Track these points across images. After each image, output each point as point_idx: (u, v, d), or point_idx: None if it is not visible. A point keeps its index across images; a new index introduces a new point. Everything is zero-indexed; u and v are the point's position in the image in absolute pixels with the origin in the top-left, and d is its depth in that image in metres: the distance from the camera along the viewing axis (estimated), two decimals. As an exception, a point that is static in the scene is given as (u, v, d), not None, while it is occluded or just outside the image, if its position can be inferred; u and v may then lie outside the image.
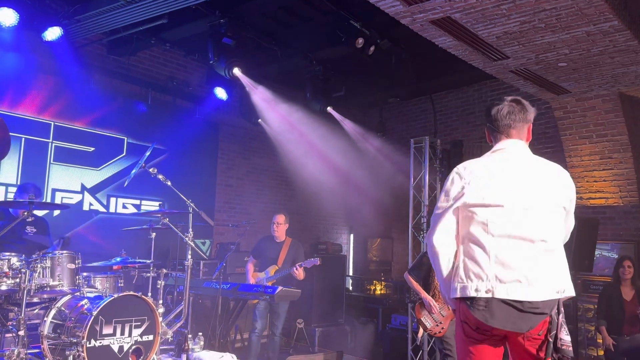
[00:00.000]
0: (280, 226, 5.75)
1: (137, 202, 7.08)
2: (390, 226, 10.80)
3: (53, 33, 5.49)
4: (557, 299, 2.26)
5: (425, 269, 4.66)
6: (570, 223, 2.45)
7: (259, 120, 8.06)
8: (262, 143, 8.55)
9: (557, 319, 2.25)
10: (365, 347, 7.50)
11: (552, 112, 7.14)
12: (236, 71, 5.99)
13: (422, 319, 4.56)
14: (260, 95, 7.49)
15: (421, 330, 4.64)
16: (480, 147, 8.77)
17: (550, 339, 2.24)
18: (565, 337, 2.27)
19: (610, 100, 6.51)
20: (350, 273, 10.23)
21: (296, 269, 5.45)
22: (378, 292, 9.86)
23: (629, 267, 5.31)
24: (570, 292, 2.30)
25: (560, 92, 6.49)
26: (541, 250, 2.28)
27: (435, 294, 4.59)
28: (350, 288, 9.90)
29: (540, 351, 2.26)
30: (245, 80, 6.58)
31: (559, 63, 5.59)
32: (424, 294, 4.56)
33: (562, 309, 2.29)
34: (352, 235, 10.66)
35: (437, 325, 4.59)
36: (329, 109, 7.74)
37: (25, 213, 3.99)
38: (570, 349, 2.26)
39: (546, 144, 7.71)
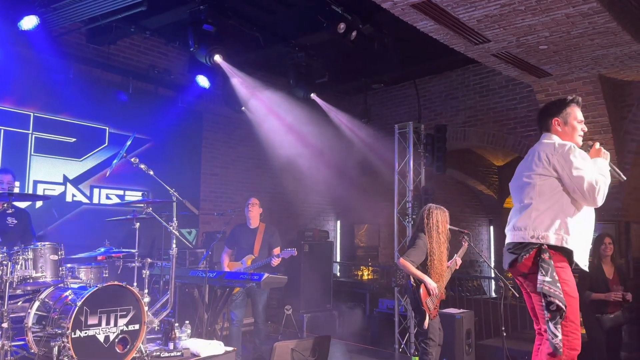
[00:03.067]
0: (255, 207, 5.74)
1: (120, 192, 7.03)
2: (376, 212, 10.85)
3: (29, 22, 5.38)
4: (526, 242, 2.88)
5: (422, 252, 4.64)
6: (573, 182, 2.86)
7: (243, 108, 8.01)
8: (246, 131, 8.51)
9: (531, 261, 2.84)
10: (353, 331, 7.58)
11: (534, 95, 7.19)
12: (217, 58, 5.94)
13: (427, 301, 4.55)
14: (242, 83, 7.44)
15: (427, 318, 4.54)
16: (464, 132, 8.83)
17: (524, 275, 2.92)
18: (541, 277, 2.78)
19: (590, 83, 6.56)
20: (338, 259, 10.29)
21: (273, 260, 5.47)
22: (365, 277, 9.95)
23: (610, 244, 5.37)
24: (550, 240, 2.83)
25: (542, 75, 6.53)
26: (517, 209, 3.03)
27: (432, 277, 4.61)
28: (338, 274, 9.97)
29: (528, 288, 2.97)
30: (226, 67, 6.53)
31: (539, 46, 5.61)
32: (426, 278, 4.54)
33: (544, 255, 2.81)
34: (338, 222, 10.71)
35: (435, 308, 4.64)
36: (313, 95, 7.72)
37: (5, 205, 3.94)
38: (547, 288, 2.75)
39: (529, 127, 7.78)
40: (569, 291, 2.80)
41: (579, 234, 2.86)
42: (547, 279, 2.76)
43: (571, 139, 3.07)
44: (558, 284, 2.75)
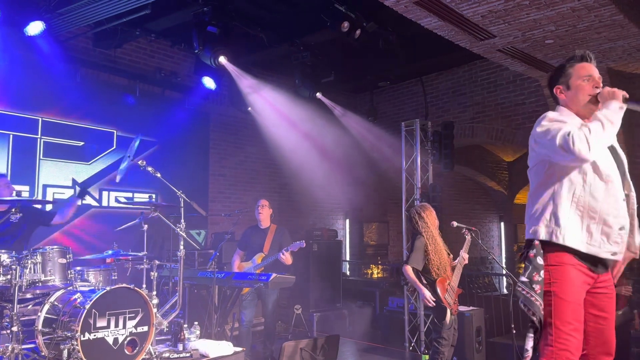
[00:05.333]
0: (264, 209, 5.72)
1: (129, 195, 7.07)
2: (385, 210, 10.84)
3: (35, 27, 5.44)
4: (531, 239, 2.45)
5: (421, 252, 4.63)
6: (549, 148, 2.40)
7: (249, 108, 8.03)
8: (253, 131, 8.52)
9: (524, 261, 2.44)
10: (363, 330, 7.57)
11: (542, 90, 7.13)
12: (222, 59, 5.96)
13: (446, 297, 4.54)
14: (248, 84, 7.46)
15: (448, 314, 4.52)
16: (472, 128, 8.78)
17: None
18: (521, 277, 2.40)
19: (598, 76, 6.50)
20: (347, 258, 10.28)
21: (282, 254, 5.38)
22: (375, 275, 9.93)
23: None
24: (540, 235, 2.41)
25: (549, 69, 6.47)
26: None
27: (434, 270, 4.61)
28: (347, 273, 9.96)
29: None
30: (231, 68, 6.55)
31: (545, 40, 5.57)
32: (421, 287, 4.52)
33: (532, 250, 2.40)
34: (347, 221, 10.70)
35: (455, 303, 4.64)
36: (319, 94, 7.71)
37: (14, 210, 3.99)
38: (519, 289, 2.39)
39: (537, 122, 7.72)
40: (557, 292, 2.33)
41: (588, 218, 2.36)
42: (524, 279, 2.38)
43: (580, 102, 2.51)
44: (535, 286, 2.34)
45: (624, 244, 2.41)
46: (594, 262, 2.39)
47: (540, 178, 2.49)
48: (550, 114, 2.50)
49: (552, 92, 2.66)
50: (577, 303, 2.36)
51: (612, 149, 2.49)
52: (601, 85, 2.52)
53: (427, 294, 4.50)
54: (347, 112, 8.91)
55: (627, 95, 2.41)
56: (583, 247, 2.36)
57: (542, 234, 2.41)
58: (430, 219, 4.79)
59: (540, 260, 2.38)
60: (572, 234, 2.37)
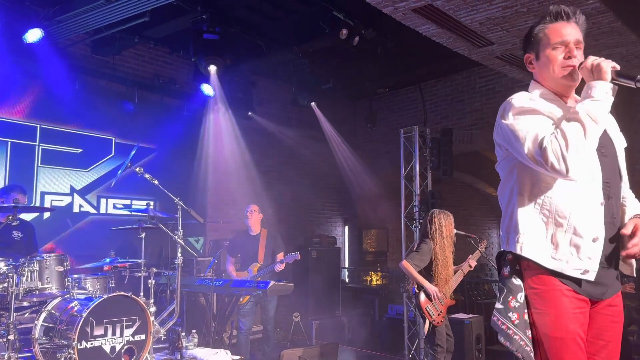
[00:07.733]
0: (254, 214, 5.70)
1: (127, 202, 7.05)
2: (384, 217, 10.81)
3: (34, 35, 5.44)
4: (502, 251, 1.99)
5: (426, 257, 4.62)
6: (515, 151, 1.90)
7: (249, 113, 8.03)
8: (252, 138, 8.51)
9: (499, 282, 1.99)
10: (363, 338, 7.52)
11: (541, 96, 7.14)
12: (211, 68, 5.97)
13: (427, 308, 4.53)
14: (245, 91, 7.47)
15: (427, 324, 4.54)
16: (470, 135, 8.77)
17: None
18: (496, 304, 1.91)
19: (597, 83, 6.51)
20: (346, 265, 10.25)
21: (278, 266, 5.44)
22: (374, 282, 9.89)
23: None
24: (508, 247, 1.93)
25: (547, 76, 6.48)
26: None
27: (437, 283, 4.59)
28: (347, 280, 9.93)
29: None
30: (227, 78, 6.56)
31: (544, 47, 5.58)
32: (426, 283, 4.53)
33: (506, 267, 1.93)
34: (346, 227, 10.67)
35: (439, 315, 4.60)
36: (313, 104, 7.73)
37: (10, 217, 3.97)
38: (495, 319, 1.91)
39: (536, 128, 7.72)
40: (542, 327, 1.83)
41: (554, 225, 1.85)
42: (499, 305, 1.88)
43: (552, 77, 1.94)
44: (512, 315, 1.85)
45: (597, 259, 1.82)
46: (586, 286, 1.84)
47: (504, 173, 2.04)
48: (516, 100, 1.91)
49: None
50: (573, 339, 1.81)
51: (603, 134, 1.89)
52: (576, 53, 1.89)
53: (434, 288, 4.50)
54: (345, 119, 8.92)
55: (618, 68, 1.78)
56: (546, 261, 1.84)
57: (506, 245, 1.95)
58: (447, 230, 4.70)
59: (516, 280, 1.89)
60: (533, 243, 1.86)
